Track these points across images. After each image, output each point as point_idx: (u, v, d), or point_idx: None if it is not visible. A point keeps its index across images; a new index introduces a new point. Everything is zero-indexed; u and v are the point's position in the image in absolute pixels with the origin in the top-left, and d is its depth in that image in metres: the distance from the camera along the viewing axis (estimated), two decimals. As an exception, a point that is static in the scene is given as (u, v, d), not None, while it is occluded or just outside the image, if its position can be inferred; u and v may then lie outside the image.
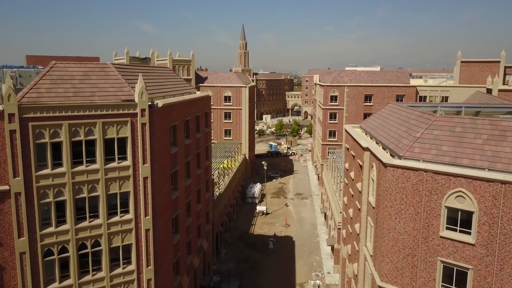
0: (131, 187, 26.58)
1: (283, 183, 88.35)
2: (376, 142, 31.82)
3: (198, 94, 42.13)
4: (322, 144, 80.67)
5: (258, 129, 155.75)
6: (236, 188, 70.20)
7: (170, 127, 30.60)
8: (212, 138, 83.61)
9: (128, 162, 26.39)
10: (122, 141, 26.17)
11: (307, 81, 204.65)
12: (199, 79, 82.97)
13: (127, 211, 26.93)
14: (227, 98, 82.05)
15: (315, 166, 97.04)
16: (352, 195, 37.26)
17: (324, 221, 64.11)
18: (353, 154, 36.43)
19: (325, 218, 63.56)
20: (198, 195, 40.27)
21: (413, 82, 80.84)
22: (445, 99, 76.83)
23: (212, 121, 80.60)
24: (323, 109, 79.83)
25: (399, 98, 77.65)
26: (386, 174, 25.22)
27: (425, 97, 78.85)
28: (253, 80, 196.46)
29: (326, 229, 60.72)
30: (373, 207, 28.77)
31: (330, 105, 79.31)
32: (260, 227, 63.03)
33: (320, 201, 73.20)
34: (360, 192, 33.11)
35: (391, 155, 26.76)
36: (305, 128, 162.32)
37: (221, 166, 64.45)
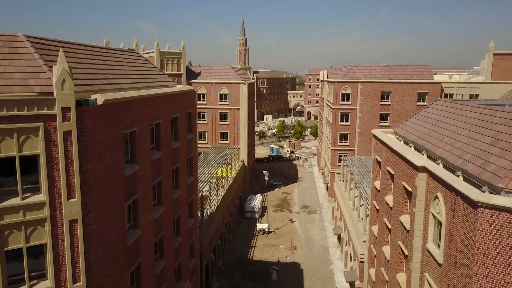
0: (48, 237, 16.15)
1: (286, 192, 77.85)
2: (431, 158, 21.40)
3: (179, 88, 31.70)
4: (331, 150, 70.19)
5: (258, 130, 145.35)
6: (233, 202, 59.78)
7: (123, 136, 20.16)
8: (206, 142, 73.49)
9: (41, 197, 15.96)
10: (31, 162, 15.75)
11: (310, 79, 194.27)
12: (191, 75, 72.54)
13: (42, 277, 16.47)
14: (223, 97, 71.64)
15: (322, 173, 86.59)
16: (389, 229, 26.74)
17: (338, 243, 53.60)
18: (392, 173, 25.94)
19: (339, 240, 53.07)
20: (176, 225, 29.83)
21: (437, 78, 70.32)
22: (475, 97, 66.35)
23: (205, 122, 70.29)
24: (333, 109, 69.36)
25: (421, 97, 67.21)
26: (476, 219, 14.75)
27: (451, 95, 68.39)
28: (253, 79, 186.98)
29: (341, 254, 50.23)
30: (439, 264, 18.28)
31: (341, 104, 68.85)
32: (261, 250, 52.58)
33: (332, 216, 62.71)
34: (406, 230, 22.61)
35: (475, 184, 16.24)
36: (309, 129, 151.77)
37: (216, 175, 54.08)
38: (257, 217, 63.61)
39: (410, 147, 25.45)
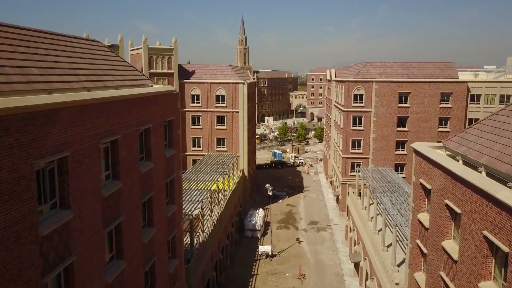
0: None
1: (291, 205, 69.85)
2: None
3: (156, 88, 23.73)
4: (342, 158, 62.18)
5: (259, 133, 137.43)
6: (231, 220, 51.81)
7: (41, 169, 12.20)
8: (201, 149, 65.52)
9: None
10: None
11: (313, 79, 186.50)
12: (184, 74, 64.60)
13: None
14: (220, 98, 63.67)
15: (331, 182, 78.63)
16: (444, 280, 18.67)
17: (354, 271, 45.59)
18: (457, 211, 17.87)
19: (356, 268, 45.07)
20: (149, 277, 21.81)
21: (461, 77, 62.33)
22: (507, 98, 58.43)
23: (200, 127, 62.39)
24: (344, 112, 61.37)
25: (445, 98, 59.24)
26: None
27: (478, 95, 60.41)
28: (253, 79, 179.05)
29: (360, 287, 42.23)
30: None
31: (353, 106, 60.85)
32: (264, 279, 44.61)
33: (345, 236, 54.69)
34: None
35: None
36: (313, 132, 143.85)
37: (212, 188, 46.17)
38: (259, 236, 55.61)
39: (481, 172, 17.51)
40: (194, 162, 64.09)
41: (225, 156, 61.84)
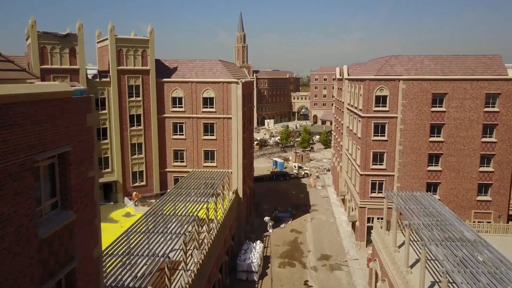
0: None
1: (296, 231, 57.41)
2: None
3: (27, 87, 11.26)
4: (361, 175, 49.76)
5: (258, 138, 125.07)
6: (219, 262, 39.43)
7: None
8: (184, 164, 53.13)
9: None
10: None
11: (316, 79, 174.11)
12: (163, 71, 52.31)
13: None
14: (208, 101, 51.39)
15: (342, 200, 66.24)
16: None
17: None
18: None
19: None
20: None
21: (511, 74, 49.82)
22: None
23: (184, 137, 50.25)
24: (362, 117, 48.99)
25: (490, 100, 46.85)
26: None
27: (531, 97, 47.86)
28: (252, 78, 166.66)
29: None
30: None
31: (375, 111, 48.49)
32: None
33: (368, 281, 42.21)
34: None
35: None
36: (318, 136, 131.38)
37: (198, 214, 33.93)
38: (256, 279, 43.19)
39: None
40: (176, 180, 51.88)
41: (215, 174, 49.58)
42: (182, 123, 51.70)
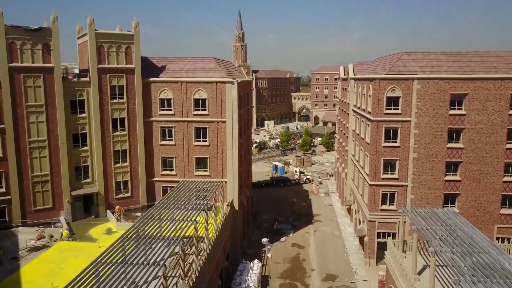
0: None
1: (298, 245, 52.29)
2: None
3: None
4: (370, 185, 44.65)
5: (258, 140, 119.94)
6: (212, 285, 34.29)
7: None
8: (173, 173, 47.96)
9: None
10: None
11: (317, 79, 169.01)
12: (150, 70, 47.23)
13: None
14: (201, 103, 46.30)
15: (348, 210, 61.13)
16: None
17: None
18: None
19: None
20: None
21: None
22: None
23: (173, 143, 45.43)
24: (372, 121, 43.87)
25: (516, 101, 41.74)
26: None
27: (561, 98, 42.76)
28: (251, 78, 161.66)
29: None
30: None
31: (386, 114, 43.36)
32: None
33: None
34: None
35: None
36: (319, 138, 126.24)
37: (187, 231, 29.02)
38: (253, 305, 38.08)
39: None
40: (164, 191, 46.87)
41: (207, 184, 44.54)
42: (171, 127, 46.58)
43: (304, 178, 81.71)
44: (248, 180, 57.68)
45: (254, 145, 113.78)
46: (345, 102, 65.63)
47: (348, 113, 61.17)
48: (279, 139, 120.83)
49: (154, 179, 47.36)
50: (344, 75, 68.57)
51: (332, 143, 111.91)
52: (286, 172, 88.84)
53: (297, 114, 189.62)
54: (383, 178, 44.27)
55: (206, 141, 46.62)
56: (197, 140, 46.78)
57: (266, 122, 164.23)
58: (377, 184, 44.41)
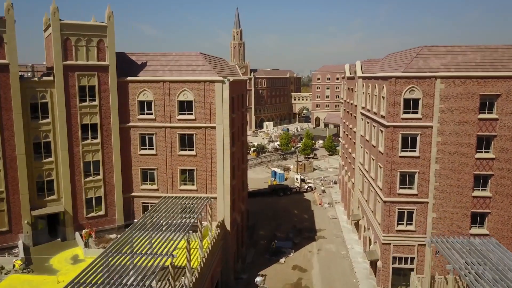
0: None
1: (300, 268, 45.77)
2: None
3: None
4: (384, 202, 38.12)
5: (256, 144, 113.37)
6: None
7: None
8: (155, 187, 41.33)
9: None
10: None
11: (318, 79, 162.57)
12: (128, 67, 40.73)
13: None
14: (186, 106, 39.80)
15: (355, 224, 54.59)
16: None
17: None
18: None
19: None
20: None
21: None
22: None
23: (154, 152, 38.93)
24: (386, 127, 37.32)
25: (557, 103, 35.17)
26: None
27: None
28: (250, 79, 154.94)
29: None
30: None
31: (403, 119, 36.82)
32: None
33: None
34: None
35: None
36: (321, 141, 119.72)
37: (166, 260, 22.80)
38: None
39: None
40: (145, 208, 40.39)
41: (194, 200, 38.18)
42: (152, 134, 40.06)
43: (306, 187, 75.14)
44: (243, 192, 51.16)
45: (252, 149, 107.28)
46: (351, 104, 59.10)
47: (355, 116, 54.66)
48: (278, 142, 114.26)
49: (133, 194, 40.81)
50: (350, 73, 62.06)
51: (335, 146, 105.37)
52: (286, 179, 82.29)
53: (297, 115, 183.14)
54: (399, 194, 37.71)
55: (192, 150, 40.08)
56: (182, 149, 40.24)
57: (265, 124, 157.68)
58: (393, 201, 37.85)
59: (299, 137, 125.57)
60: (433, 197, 37.13)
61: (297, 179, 76.61)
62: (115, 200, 39.95)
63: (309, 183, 76.55)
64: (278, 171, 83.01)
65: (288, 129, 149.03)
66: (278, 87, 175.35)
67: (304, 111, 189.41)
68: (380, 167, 39.52)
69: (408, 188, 37.69)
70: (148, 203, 40.61)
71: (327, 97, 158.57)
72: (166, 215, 34.34)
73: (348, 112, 62.63)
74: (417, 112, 36.61)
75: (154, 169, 40.47)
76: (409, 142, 37.05)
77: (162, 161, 40.23)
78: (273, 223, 58.94)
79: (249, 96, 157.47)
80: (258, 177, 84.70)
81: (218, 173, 39.79)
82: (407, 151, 37.15)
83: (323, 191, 74.59)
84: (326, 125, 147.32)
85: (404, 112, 36.73)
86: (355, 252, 48.91)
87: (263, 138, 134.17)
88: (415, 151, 37.00)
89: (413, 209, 37.68)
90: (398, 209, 37.98)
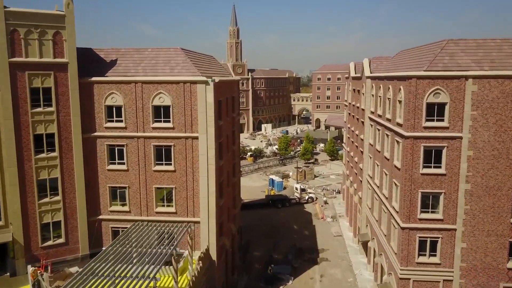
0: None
1: (300, 300, 39.09)
2: None
3: None
4: (403, 229, 31.41)
5: (253, 148, 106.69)
6: None
7: None
8: (126, 210, 34.32)
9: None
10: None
11: (319, 79, 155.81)
12: (94, 66, 34.03)
13: None
14: (163, 111, 33.09)
15: (362, 245, 47.94)
16: None
17: None
18: None
19: None
20: None
21: None
22: None
23: (125, 167, 32.15)
24: (405, 137, 30.60)
25: None
26: None
27: None
28: (248, 79, 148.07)
29: None
30: None
31: (425, 128, 30.17)
32: None
33: None
34: None
35: None
36: (322, 144, 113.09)
37: None
38: None
39: None
40: (115, 233, 33.75)
41: (172, 225, 31.62)
42: (123, 145, 33.37)
43: (306, 197, 68.43)
44: (235, 209, 44.44)
45: (249, 153, 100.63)
46: (357, 107, 52.44)
47: (362, 122, 48.00)
48: (277, 146, 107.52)
49: (100, 217, 34.12)
50: (356, 73, 55.42)
51: (337, 150, 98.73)
52: (284, 188, 75.70)
53: (297, 117, 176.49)
54: (420, 219, 31.07)
55: (170, 164, 33.39)
56: (158, 164, 33.56)
57: (263, 126, 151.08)
58: (412, 227, 31.20)
59: (298, 140, 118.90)
60: (462, 223, 30.45)
61: (296, 188, 69.90)
62: (78, 224, 33.20)
63: (310, 193, 69.85)
64: (277, 179, 76.34)
65: (287, 131, 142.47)
66: (277, 88, 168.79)
67: (304, 112, 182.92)
68: (396, 185, 32.85)
69: (432, 212, 31.03)
70: (118, 227, 33.95)
71: (328, 98, 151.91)
72: (140, 241, 28.10)
73: (353, 116, 55.92)
74: (443, 120, 29.96)
75: (125, 187, 33.76)
76: (433, 157, 30.38)
77: (135, 177, 33.53)
78: (269, 241, 52.29)
79: (247, 97, 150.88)
80: (255, 185, 78.13)
81: (201, 193, 33.11)
82: (430, 167, 30.49)
83: (325, 202, 67.86)
84: (327, 127, 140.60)
85: (427, 120, 30.07)
86: (364, 280, 42.25)
87: (261, 141, 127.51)
88: (440, 167, 30.32)
89: (438, 238, 31.01)
90: (419, 237, 31.31)
